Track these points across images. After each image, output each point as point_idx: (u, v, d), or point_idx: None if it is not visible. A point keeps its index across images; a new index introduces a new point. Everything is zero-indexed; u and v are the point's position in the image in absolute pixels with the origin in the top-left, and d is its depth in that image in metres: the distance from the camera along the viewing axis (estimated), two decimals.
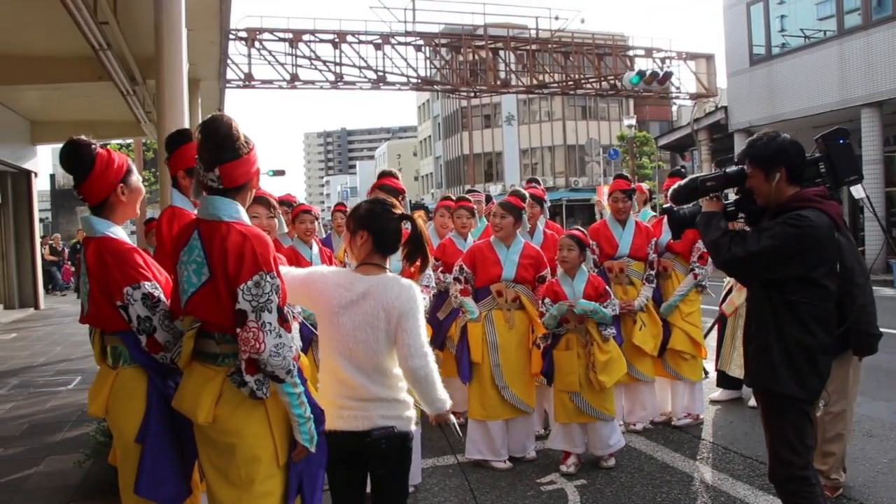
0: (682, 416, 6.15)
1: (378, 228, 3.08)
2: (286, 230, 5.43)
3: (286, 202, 6.12)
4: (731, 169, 3.40)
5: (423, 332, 3.04)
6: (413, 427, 3.13)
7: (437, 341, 5.73)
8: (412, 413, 3.13)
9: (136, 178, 3.14)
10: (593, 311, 5.02)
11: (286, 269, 3.09)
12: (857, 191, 3.47)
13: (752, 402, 6.53)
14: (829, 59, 19.28)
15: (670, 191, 3.62)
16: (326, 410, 2.97)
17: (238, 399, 2.69)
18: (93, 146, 3.02)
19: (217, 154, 2.70)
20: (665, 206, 3.87)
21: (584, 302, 5.04)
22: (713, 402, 6.70)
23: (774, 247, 3.14)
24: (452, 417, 3.12)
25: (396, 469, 3.11)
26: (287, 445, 2.77)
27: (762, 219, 3.37)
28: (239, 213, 2.74)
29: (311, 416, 2.75)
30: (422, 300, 3.11)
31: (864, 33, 18.33)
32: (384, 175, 4.97)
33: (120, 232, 3.05)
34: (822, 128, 4.84)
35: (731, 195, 3.66)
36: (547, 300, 5.17)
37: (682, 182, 3.55)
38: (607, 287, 5.33)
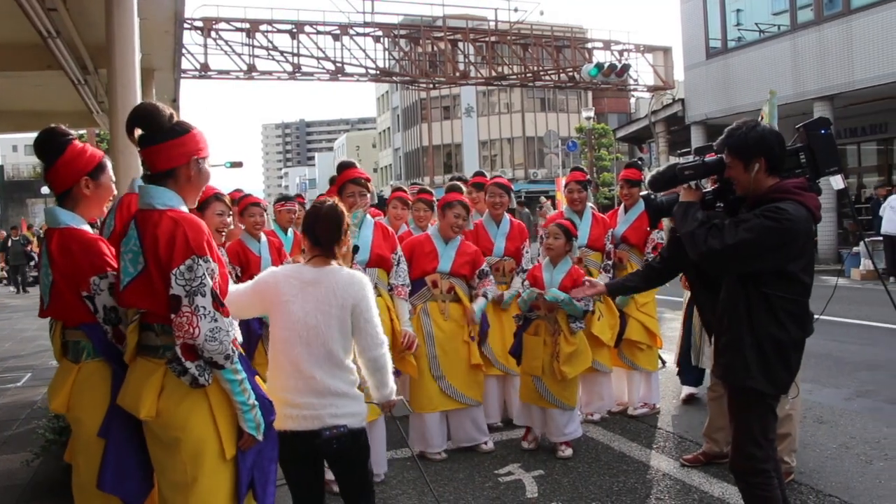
0: (638, 405, 6.21)
1: (303, 227, 3.21)
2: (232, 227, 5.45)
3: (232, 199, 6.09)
4: (710, 158, 3.34)
5: (379, 321, 3.14)
6: (365, 423, 3.16)
7: None
8: (364, 409, 3.15)
9: (108, 177, 3.10)
10: (563, 302, 5.04)
11: (234, 287, 3.13)
12: (837, 181, 3.47)
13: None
14: (783, 53, 19.59)
15: (648, 178, 3.59)
16: (276, 410, 2.98)
17: (181, 391, 2.65)
18: (69, 136, 3.02)
19: (140, 139, 2.72)
20: (642, 194, 3.87)
21: (554, 291, 5.06)
22: (684, 402, 6.57)
23: (751, 240, 3.06)
24: (401, 397, 3.28)
25: (353, 464, 3.13)
26: (233, 438, 2.75)
27: (741, 209, 3.31)
28: (172, 200, 2.71)
29: (256, 403, 2.73)
30: (372, 290, 3.18)
31: (816, 28, 18.66)
32: (347, 167, 4.95)
33: (84, 224, 3.03)
34: (777, 120, 4.91)
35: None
36: (526, 283, 5.26)
37: (661, 169, 3.51)
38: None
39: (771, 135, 3.23)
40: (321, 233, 3.13)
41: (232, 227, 4.92)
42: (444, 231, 5.38)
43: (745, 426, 3.29)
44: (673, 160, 3.83)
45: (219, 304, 2.63)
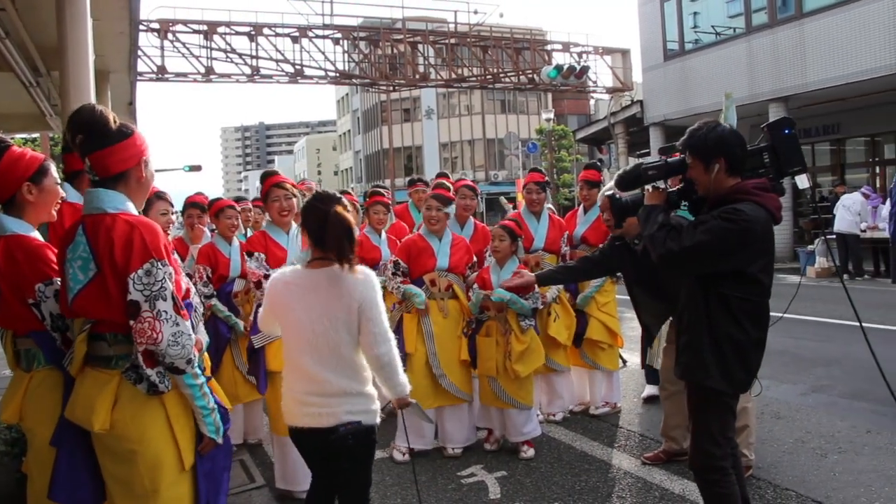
0: (600, 404, 6.25)
1: (307, 224, 3.11)
2: (182, 231, 5.44)
3: (198, 204, 6.04)
4: (673, 159, 3.36)
5: (385, 319, 3.09)
6: (378, 420, 3.15)
7: None
8: (377, 406, 3.15)
9: (51, 180, 3.02)
10: (510, 301, 5.07)
11: (261, 311, 3.20)
12: (802, 181, 3.49)
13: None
14: (739, 55, 19.89)
15: (615, 176, 3.62)
16: (291, 408, 3.04)
17: (137, 402, 2.58)
18: (5, 143, 2.94)
19: (84, 144, 2.64)
20: (607, 192, 3.89)
21: (500, 291, 5.08)
22: (645, 401, 6.60)
23: (709, 242, 3.07)
24: (414, 400, 3.22)
25: (362, 461, 3.13)
26: (191, 447, 2.70)
27: (703, 209, 3.33)
28: (124, 204, 2.65)
29: (215, 406, 2.69)
30: (379, 286, 3.12)
31: (770, 31, 18.99)
32: (271, 175, 4.94)
33: (32, 230, 2.95)
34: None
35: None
36: (476, 286, 5.30)
37: (627, 168, 3.52)
38: None
39: (731, 135, 3.25)
40: (330, 241, 3.01)
41: (178, 229, 4.89)
42: (429, 226, 5.44)
43: (704, 424, 3.32)
44: (633, 161, 3.85)
45: (179, 307, 2.57)
